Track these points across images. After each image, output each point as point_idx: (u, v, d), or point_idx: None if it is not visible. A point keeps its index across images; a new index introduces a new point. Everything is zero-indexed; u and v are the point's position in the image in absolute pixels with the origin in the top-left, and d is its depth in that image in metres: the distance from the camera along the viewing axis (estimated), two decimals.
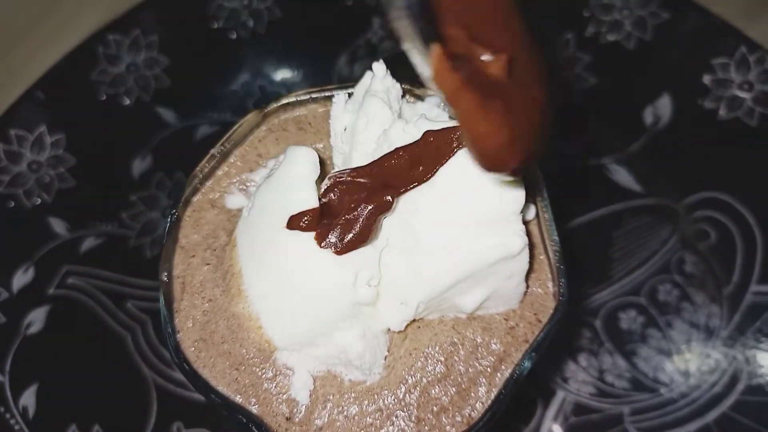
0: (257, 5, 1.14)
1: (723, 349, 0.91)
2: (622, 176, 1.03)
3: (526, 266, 0.59)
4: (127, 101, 1.09)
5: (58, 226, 1.01)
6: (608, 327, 0.93)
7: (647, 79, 1.08)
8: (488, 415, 0.58)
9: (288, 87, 1.11)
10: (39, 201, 1.01)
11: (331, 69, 1.12)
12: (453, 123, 0.56)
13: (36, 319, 0.95)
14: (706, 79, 1.05)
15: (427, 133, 0.55)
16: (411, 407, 0.59)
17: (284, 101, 0.72)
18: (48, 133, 1.05)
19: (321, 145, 0.70)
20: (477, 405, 0.59)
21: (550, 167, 1.03)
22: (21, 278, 0.97)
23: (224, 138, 0.69)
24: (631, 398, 0.89)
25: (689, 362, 0.91)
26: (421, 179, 0.55)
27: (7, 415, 0.88)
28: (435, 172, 0.55)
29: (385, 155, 0.56)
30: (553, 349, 0.91)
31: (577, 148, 1.06)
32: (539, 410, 0.89)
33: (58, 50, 1.11)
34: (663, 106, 1.06)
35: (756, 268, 0.95)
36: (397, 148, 0.56)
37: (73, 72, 1.09)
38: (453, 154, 0.55)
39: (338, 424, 0.58)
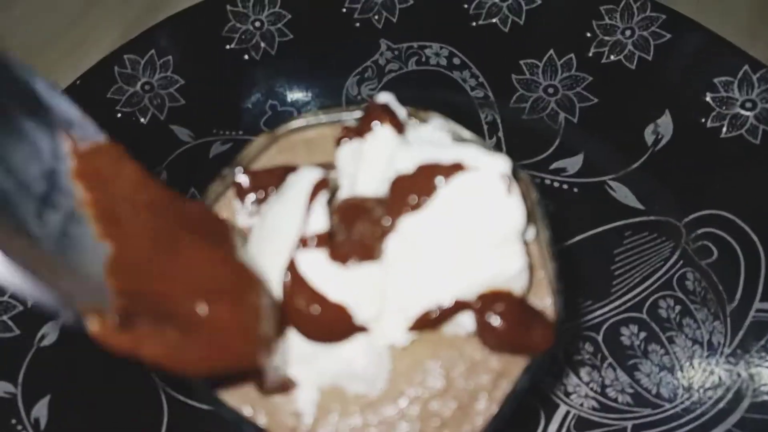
0: (269, 27, 1.17)
1: (726, 366, 0.91)
2: (624, 194, 1.05)
3: (525, 285, 0.61)
4: (142, 119, 1.12)
5: None
6: (610, 342, 0.94)
7: (649, 98, 1.09)
8: (489, 430, 0.59)
9: (298, 106, 1.14)
10: None
11: (340, 89, 1.15)
12: (449, 151, 0.58)
13: (49, 331, 0.97)
14: (709, 97, 1.07)
15: (420, 168, 0.58)
16: (413, 420, 0.60)
17: (295, 125, 0.74)
18: None
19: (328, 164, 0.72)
20: (478, 420, 0.61)
21: (551, 185, 1.06)
22: None
23: (236, 159, 0.72)
24: (633, 414, 0.90)
25: (692, 379, 0.91)
26: (413, 209, 0.57)
27: (19, 427, 0.90)
28: (426, 204, 0.57)
29: (390, 184, 0.59)
30: (555, 364, 0.93)
31: (579, 166, 1.08)
32: (542, 425, 0.89)
33: (74, 69, 1.15)
34: (665, 125, 1.08)
35: (760, 286, 0.95)
36: (393, 180, 0.58)
37: (89, 91, 1.12)
38: (440, 188, 0.57)
39: None
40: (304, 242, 0.57)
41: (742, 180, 1.02)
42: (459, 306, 0.59)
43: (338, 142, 0.65)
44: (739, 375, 0.91)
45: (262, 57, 1.17)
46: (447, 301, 0.58)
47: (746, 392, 0.89)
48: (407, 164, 0.59)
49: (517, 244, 0.59)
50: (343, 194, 0.65)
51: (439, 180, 0.57)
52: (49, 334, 0.97)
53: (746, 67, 1.06)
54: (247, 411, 0.62)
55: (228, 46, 1.17)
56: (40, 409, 0.92)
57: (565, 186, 1.06)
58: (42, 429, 0.91)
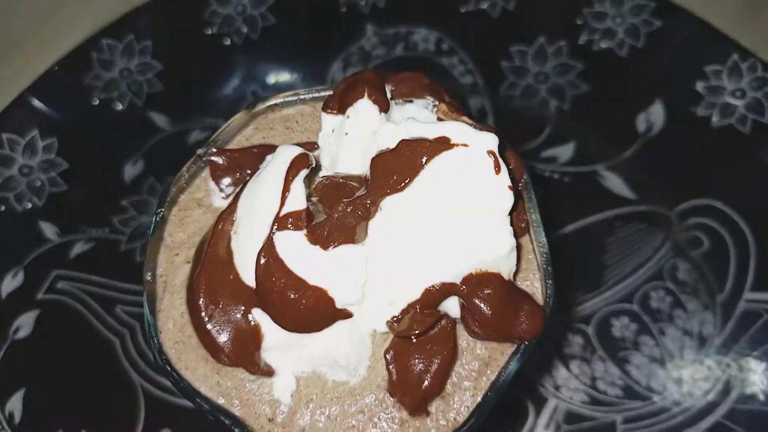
0: (251, 12, 1.15)
1: (716, 357, 0.90)
2: (615, 183, 1.03)
3: (513, 267, 0.59)
4: (119, 106, 1.09)
5: (48, 230, 1.00)
6: (601, 334, 0.93)
7: (640, 87, 1.08)
8: (473, 419, 0.57)
9: (281, 93, 1.12)
10: (30, 205, 1.01)
11: (325, 75, 1.13)
12: (434, 128, 0.56)
13: (24, 323, 0.94)
14: (699, 86, 1.06)
15: (402, 143, 0.55)
16: (394, 409, 0.58)
17: (272, 102, 0.72)
18: (40, 137, 1.04)
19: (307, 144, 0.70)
20: (462, 409, 0.58)
21: (542, 174, 1.04)
22: (10, 282, 0.96)
23: (211, 137, 0.69)
24: (623, 406, 0.88)
25: (682, 370, 0.90)
26: (395, 188, 0.55)
27: None
28: (409, 182, 0.55)
29: (372, 161, 0.56)
30: (545, 356, 0.91)
31: (570, 154, 1.06)
32: (531, 418, 0.88)
33: (56, 55, 1.11)
34: (656, 113, 1.06)
35: (749, 276, 0.94)
36: (374, 157, 0.56)
37: (66, 76, 1.08)
38: (424, 166, 0.55)
39: (320, 425, 0.58)
40: (280, 222, 0.55)
41: (733, 170, 1.01)
42: (446, 289, 0.56)
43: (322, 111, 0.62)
44: (728, 366, 0.89)
45: (245, 42, 1.14)
46: (433, 285, 0.56)
47: (735, 383, 0.88)
48: (389, 141, 0.56)
49: (506, 224, 0.56)
50: (323, 173, 0.62)
51: (423, 156, 0.55)
52: (23, 327, 0.94)
53: (735, 55, 1.05)
54: (221, 401, 0.59)
55: (209, 31, 1.14)
56: (15, 403, 0.89)
57: (556, 176, 1.04)
58: (16, 423, 0.88)
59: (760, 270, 0.94)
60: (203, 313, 0.57)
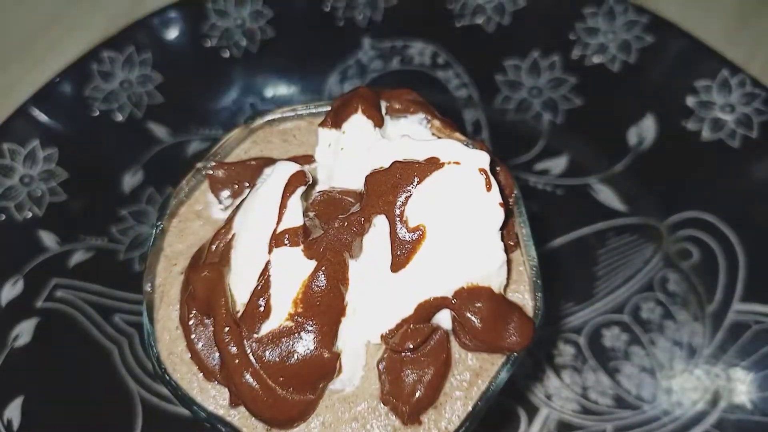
0: (250, 25, 1.16)
1: (705, 367, 0.92)
2: (607, 195, 1.05)
3: (503, 281, 0.60)
4: (119, 117, 1.11)
5: (48, 239, 1.01)
6: (592, 344, 0.94)
7: (631, 101, 1.10)
8: (464, 427, 0.59)
9: (279, 105, 1.12)
10: (30, 214, 1.02)
11: (322, 88, 1.15)
12: (427, 147, 0.57)
13: (24, 331, 0.95)
14: (689, 101, 1.08)
15: (395, 164, 0.57)
16: (386, 417, 0.59)
17: (270, 117, 0.73)
18: (41, 147, 1.06)
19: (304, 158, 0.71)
20: (453, 418, 0.60)
21: (536, 186, 1.06)
22: (10, 291, 0.97)
23: (210, 152, 0.71)
24: (614, 416, 0.89)
25: (672, 380, 0.91)
26: (387, 208, 0.56)
27: None
28: (401, 203, 0.56)
29: (365, 179, 0.58)
30: (537, 366, 0.92)
31: (562, 167, 1.08)
32: (523, 427, 0.89)
33: (55, 66, 1.13)
34: (647, 127, 1.08)
35: (738, 287, 0.96)
36: (368, 175, 0.57)
37: (67, 88, 1.10)
38: (417, 186, 0.56)
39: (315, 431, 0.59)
40: (277, 239, 0.56)
41: (722, 183, 1.03)
42: (438, 303, 0.58)
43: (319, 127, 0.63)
44: (717, 376, 0.91)
45: (244, 55, 1.15)
46: (426, 300, 0.57)
47: (724, 393, 0.90)
48: (383, 158, 0.57)
49: (496, 239, 0.58)
50: (320, 188, 0.64)
51: (415, 178, 0.56)
52: (22, 335, 0.95)
53: (725, 71, 1.07)
54: (219, 412, 0.61)
55: (208, 44, 1.15)
56: (14, 410, 0.90)
57: (549, 188, 1.06)
58: (15, 430, 0.89)
59: (749, 281, 0.96)
60: (193, 335, 0.59)
